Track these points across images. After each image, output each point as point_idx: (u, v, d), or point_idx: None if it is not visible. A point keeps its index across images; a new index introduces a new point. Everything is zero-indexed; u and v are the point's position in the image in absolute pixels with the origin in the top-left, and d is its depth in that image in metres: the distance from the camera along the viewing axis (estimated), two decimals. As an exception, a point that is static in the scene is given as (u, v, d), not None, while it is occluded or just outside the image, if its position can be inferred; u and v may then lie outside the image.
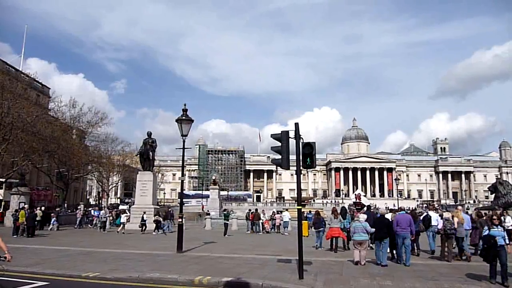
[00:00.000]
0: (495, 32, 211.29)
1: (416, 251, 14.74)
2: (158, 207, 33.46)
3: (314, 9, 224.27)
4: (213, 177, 58.43)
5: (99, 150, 53.06)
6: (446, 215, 14.22)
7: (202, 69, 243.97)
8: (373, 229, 12.39)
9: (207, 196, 56.35)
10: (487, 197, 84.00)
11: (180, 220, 15.79)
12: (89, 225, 32.25)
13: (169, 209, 32.14)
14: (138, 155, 33.22)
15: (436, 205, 62.94)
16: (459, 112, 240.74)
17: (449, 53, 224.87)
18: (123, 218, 27.54)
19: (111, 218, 30.67)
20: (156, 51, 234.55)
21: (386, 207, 45.95)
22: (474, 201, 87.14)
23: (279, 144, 9.98)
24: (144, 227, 26.68)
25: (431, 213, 16.57)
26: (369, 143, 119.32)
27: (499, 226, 9.47)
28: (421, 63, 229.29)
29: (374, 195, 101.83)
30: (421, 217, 16.24)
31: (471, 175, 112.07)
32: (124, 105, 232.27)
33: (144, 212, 28.00)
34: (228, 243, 20.03)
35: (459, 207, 18.13)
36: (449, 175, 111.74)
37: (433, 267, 11.99)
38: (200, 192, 79.99)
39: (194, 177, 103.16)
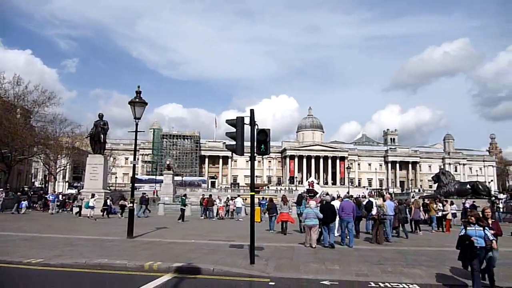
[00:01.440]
0: (446, 30, 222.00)
1: (358, 234, 16.32)
2: (108, 191, 32.55)
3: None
4: (167, 162, 57.51)
5: (46, 131, 50.26)
6: (379, 202, 15.81)
7: (160, 52, 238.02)
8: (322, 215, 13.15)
9: (161, 181, 55.48)
10: (431, 186, 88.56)
11: (131, 205, 15.42)
12: (52, 210, 30.65)
13: (144, 194, 31.57)
14: (89, 138, 32.01)
15: (385, 193, 65.66)
16: (410, 105, 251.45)
17: (403, 48, 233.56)
18: (91, 202, 26.60)
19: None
20: (111, 31, 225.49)
21: (337, 195, 47.29)
22: (419, 190, 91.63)
23: (234, 130, 9.92)
24: (104, 212, 26.07)
25: (371, 199, 18.10)
26: (323, 132, 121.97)
27: (476, 225, 7.71)
28: (377, 56, 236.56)
29: (326, 183, 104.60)
30: (364, 204, 17.61)
31: (418, 165, 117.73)
32: (75, 85, 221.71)
33: (108, 198, 27.41)
34: (180, 228, 19.88)
35: (387, 195, 19.74)
36: (397, 165, 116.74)
37: (379, 251, 12.54)
38: (153, 177, 78.44)
39: (148, 161, 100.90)
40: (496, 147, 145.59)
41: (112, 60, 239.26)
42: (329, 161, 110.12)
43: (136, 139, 15.87)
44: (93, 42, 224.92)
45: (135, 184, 18.60)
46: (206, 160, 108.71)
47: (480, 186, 36.35)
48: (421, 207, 20.70)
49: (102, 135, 30.23)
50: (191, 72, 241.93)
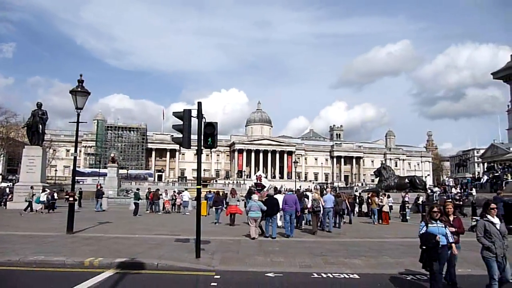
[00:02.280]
0: (390, 31, 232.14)
1: (300, 225, 17.48)
2: (47, 184, 30.88)
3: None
4: (112, 155, 55.30)
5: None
6: (315, 195, 16.75)
7: (107, 41, 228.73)
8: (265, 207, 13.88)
9: (105, 175, 53.50)
10: (373, 181, 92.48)
11: (72, 199, 14.73)
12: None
13: (101, 188, 30.19)
14: (26, 128, 30.13)
15: (330, 187, 67.76)
16: (356, 102, 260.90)
17: (350, 47, 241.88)
18: (42, 197, 25.05)
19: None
20: (53, 15, 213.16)
21: (285, 188, 48.09)
22: (362, 184, 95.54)
23: (181, 122, 9.75)
24: (48, 208, 24.74)
25: (308, 193, 19.29)
26: (272, 127, 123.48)
27: (438, 222, 6.79)
28: (325, 53, 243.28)
29: (274, 177, 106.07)
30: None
31: (361, 160, 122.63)
32: (12, 72, 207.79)
33: (55, 191, 26.00)
34: (125, 223, 19.31)
35: (328, 189, 22.19)
36: (342, 160, 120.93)
37: (322, 243, 12.92)
38: (97, 170, 75.47)
39: (91, 154, 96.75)
40: (432, 144, 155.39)
41: (53, 46, 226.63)
42: (277, 155, 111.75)
43: (77, 130, 15.13)
44: (33, 27, 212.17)
45: (77, 178, 17.79)
46: (153, 153, 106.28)
47: (417, 180, 38.45)
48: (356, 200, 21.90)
49: (40, 125, 28.58)
50: (139, 62, 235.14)
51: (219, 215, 19.93)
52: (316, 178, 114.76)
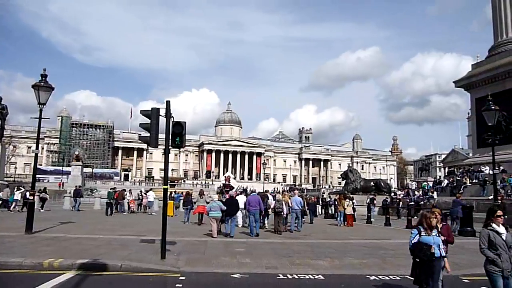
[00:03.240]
0: (360, 38, 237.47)
1: (264, 225, 17.93)
2: (6, 182, 29.63)
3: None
4: (76, 153, 53.87)
5: None
6: (279, 197, 17.50)
7: (75, 35, 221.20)
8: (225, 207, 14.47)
9: (68, 173, 51.91)
10: (340, 183, 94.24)
11: (32, 197, 14.19)
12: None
13: (79, 187, 29.61)
14: (-17, 123, 28.71)
15: (298, 189, 68.46)
16: (325, 105, 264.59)
17: (321, 51, 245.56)
18: (17, 195, 24.02)
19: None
20: (17, 6, 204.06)
21: (252, 189, 48.18)
22: (329, 186, 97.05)
23: (149, 121, 9.59)
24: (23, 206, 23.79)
25: (268, 195, 20.41)
26: (241, 128, 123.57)
27: (434, 230, 5.85)
28: (297, 57, 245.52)
29: (243, 178, 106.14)
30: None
31: (329, 163, 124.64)
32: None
33: (27, 190, 24.90)
34: (88, 223, 18.78)
35: (296, 191, 22.55)
36: (311, 162, 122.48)
37: (289, 245, 13.03)
38: (60, 168, 73.04)
39: (54, 151, 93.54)
40: (397, 148, 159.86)
41: (16, 39, 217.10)
42: (246, 156, 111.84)
43: (39, 126, 14.57)
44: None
45: (39, 176, 17.14)
46: (120, 151, 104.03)
47: (382, 184, 39.53)
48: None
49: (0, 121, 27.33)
50: (108, 59, 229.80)
51: (189, 215, 20.59)
52: (284, 180, 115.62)
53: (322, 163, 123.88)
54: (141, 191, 31.76)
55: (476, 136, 28.57)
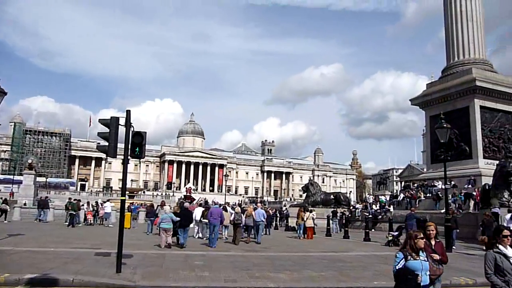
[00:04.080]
0: (323, 54, 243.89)
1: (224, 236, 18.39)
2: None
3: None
4: (29, 161, 51.28)
5: None
6: (237, 209, 18.21)
7: (33, 39, 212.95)
8: (178, 218, 14.85)
9: (20, 182, 49.44)
10: (301, 196, 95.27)
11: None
12: None
13: (47, 197, 28.30)
14: None
15: (260, 202, 68.50)
16: (288, 119, 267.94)
17: (285, 66, 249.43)
18: None
19: None
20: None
21: (213, 201, 47.86)
22: (291, 199, 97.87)
23: (108, 130, 9.34)
24: None
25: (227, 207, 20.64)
26: (204, 139, 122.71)
27: (421, 253, 4.94)
28: (261, 70, 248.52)
29: (204, 189, 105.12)
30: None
31: (291, 175, 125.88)
32: None
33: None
34: (39, 235, 17.89)
35: (259, 204, 22.92)
36: (273, 175, 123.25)
37: (249, 258, 12.96)
38: (11, 177, 69.44)
39: (5, 159, 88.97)
40: (357, 163, 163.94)
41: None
42: (208, 168, 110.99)
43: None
44: None
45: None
46: (77, 160, 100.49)
47: (342, 197, 40.28)
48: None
49: None
50: (68, 64, 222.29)
51: (151, 226, 21.11)
52: (246, 192, 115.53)
53: (284, 175, 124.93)
54: (97, 202, 30.68)
55: (430, 152, 29.85)
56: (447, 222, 15.95)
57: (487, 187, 20.70)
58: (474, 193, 23.08)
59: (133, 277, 8.80)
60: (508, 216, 15.90)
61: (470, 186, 24.76)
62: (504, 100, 27.72)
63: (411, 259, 4.84)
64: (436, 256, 5.39)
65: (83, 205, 27.78)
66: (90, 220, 27.09)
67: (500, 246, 4.95)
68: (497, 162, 21.85)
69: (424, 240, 5.08)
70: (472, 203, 22.93)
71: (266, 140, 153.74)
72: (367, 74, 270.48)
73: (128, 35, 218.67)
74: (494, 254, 4.92)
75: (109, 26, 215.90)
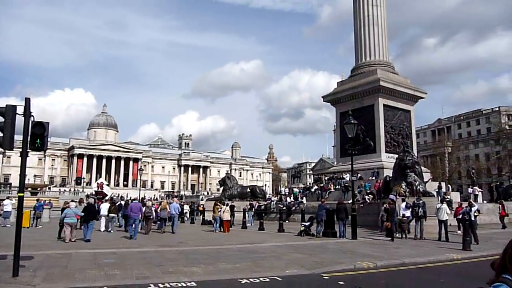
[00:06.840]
0: (243, 50, 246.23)
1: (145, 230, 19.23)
2: None
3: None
4: None
5: None
6: (148, 203, 20.43)
7: None
8: (83, 214, 15.83)
9: None
10: (218, 190, 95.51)
11: None
12: None
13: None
14: None
15: (176, 196, 67.28)
16: (208, 113, 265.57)
17: (205, 60, 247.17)
18: None
19: None
20: None
21: (130, 198, 46.13)
22: (208, 193, 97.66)
23: (2, 120, 8.44)
24: None
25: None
26: (118, 132, 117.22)
27: None
28: (180, 63, 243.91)
29: (118, 185, 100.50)
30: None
31: (208, 169, 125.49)
32: None
33: None
34: None
35: (175, 199, 24.73)
36: (190, 169, 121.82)
37: (162, 253, 12.69)
38: None
39: None
40: (273, 157, 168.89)
41: None
42: (122, 162, 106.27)
43: None
44: None
45: None
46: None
47: (258, 190, 41.15)
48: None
49: None
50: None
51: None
52: (162, 187, 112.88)
53: (201, 169, 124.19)
54: (-7, 200, 27.76)
55: (340, 147, 31.76)
56: (353, 212, 17.11)
57: (387, 179, 22.56)
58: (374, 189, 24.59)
59: (32, 281, 8.11)
60: (403, 204, 17.45)
61: (374, 178, 26.80)
62: (403, 99, 30.51)
63: None
64: None
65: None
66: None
67: None
68: (397, 156, 23.82)
69: None
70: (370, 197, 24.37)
71: (183, 134, 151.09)
72: (285, 71, 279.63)
73: (34, 19, 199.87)
74: None
75: (11, 7, 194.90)
